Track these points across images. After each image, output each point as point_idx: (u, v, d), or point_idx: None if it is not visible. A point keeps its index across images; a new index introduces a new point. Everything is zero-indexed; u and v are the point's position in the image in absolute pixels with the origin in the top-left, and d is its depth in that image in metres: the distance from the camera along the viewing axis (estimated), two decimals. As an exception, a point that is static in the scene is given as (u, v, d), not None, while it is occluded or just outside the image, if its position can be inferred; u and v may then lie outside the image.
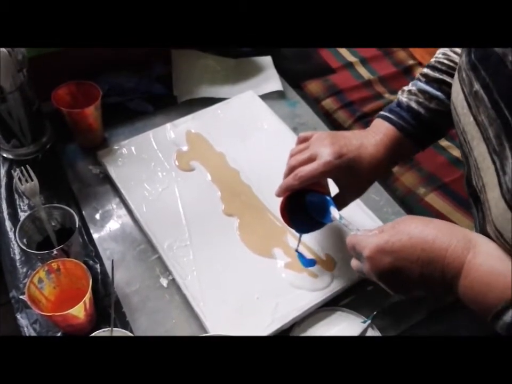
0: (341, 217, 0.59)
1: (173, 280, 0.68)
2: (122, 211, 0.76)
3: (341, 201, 0.63)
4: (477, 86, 0.47)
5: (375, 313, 0.65)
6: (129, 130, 0.87)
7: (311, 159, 0.60)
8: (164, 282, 0.68)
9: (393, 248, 0.48)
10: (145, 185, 0.78)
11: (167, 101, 0.91)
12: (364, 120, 0.98)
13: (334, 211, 0.60)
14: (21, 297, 0.66)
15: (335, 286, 0.67)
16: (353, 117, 0.99)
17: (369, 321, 0.65)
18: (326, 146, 0.60)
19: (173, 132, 0.85)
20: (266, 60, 1.01)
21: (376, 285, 0.69)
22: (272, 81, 0.96)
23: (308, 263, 0.70)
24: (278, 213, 0.74)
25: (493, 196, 0.46)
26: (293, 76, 1.02)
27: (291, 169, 0.61)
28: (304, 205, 0.64)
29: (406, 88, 0.66)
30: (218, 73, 0.97)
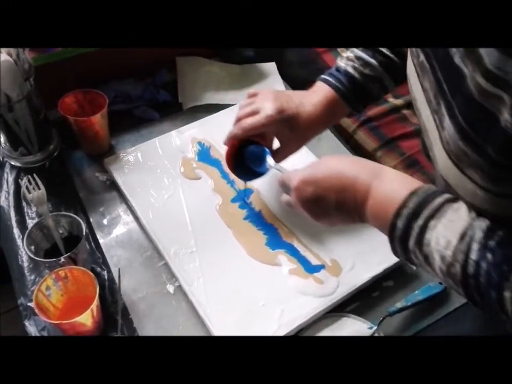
0: (275, 164, 0.66)
1: (179, 286, 0.69)
2: (129, 218, 0.77)
3: (281, 154, 0.70)
4: (422, 57, 0.52)
5: (381, 319, 0.65)
6: (135, 138, 0.88)
7: (255, 112, 0.66)
8: (171, 288, 0.69)
9: (315, 178, 0.55)
10: (151, 191, 0.78)
11: (173, 108, 0.92)
12: (369, 125, 0.98)
13: (269, 159, 0.67)
14: (29, 304, 0.67)
15: (341, 292, 0.67)
16: (357, 121, 1.00)
17: (375, 327, 0.65)
18: (269, 102, 0.66)
19: (178, 138, 0.86)
20: (271, 66, 1.01)
21: (382, 290, 0.70)
22: (276, 87, 0.97)
23: (313, 268, 0.70)
24: (283, 217, 0.75)
25: (437, 149, 0.51)
26: (297, 82, 1.03)
27: (237, 120, 0.68)
28: (246, 156, 0.70)
29: (345, 54, 0.71)
30: (223, 79, 0.98)
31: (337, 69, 0.70)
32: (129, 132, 0.89)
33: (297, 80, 1.04)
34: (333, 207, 0.54)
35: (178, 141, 0.86)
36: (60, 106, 0.79)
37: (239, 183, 0.80)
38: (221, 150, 0.84)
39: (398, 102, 1.02)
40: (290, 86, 0.99)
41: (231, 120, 0.89)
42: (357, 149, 0.95)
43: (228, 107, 0.92)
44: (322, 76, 0.71)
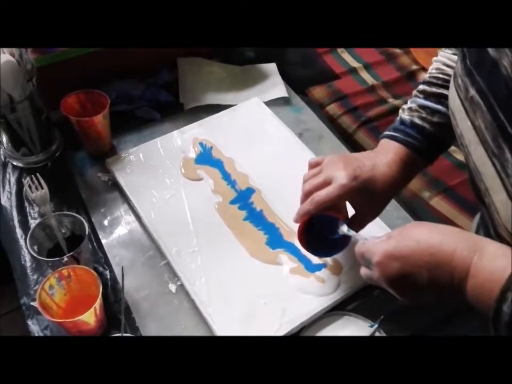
0: (348, 230, 0.60)
1: (182, 286, 0.69)
2: (131, 218, 0.77)
3: (358, 223, 0.64)
4: (472, 91, 0.48)
5: (382, 317, 0.66)
6: (137, 138, 0.88)
7: (326, 183, 0.60)
8: (173, 288, 0.69)
9: (402, 253, 0.49)
10: (153, 191, 0.79)
11: (174, 109, 0.92)
12: (368, 125, 0.99)
13: (342, 226, 0.61)
14: (32, 303, 0.67)
15: (342, 291, 0.68)
16: (357, 122, 1.00)
17: (376, 326, 0.65)
18: (340, 170, 0.60)
19: (180, 139, 0.86)
20: (271, 67, 1.02)
21: (382, 289, 0.70)
22: (277, 87, 0.97)
23: (314, 267, 0.70)
24: (285, 217, 0.75)
25: (499, 199, 0.46)
26: (298, 82, 1.03)
27: (307, 195, 0.61)
28: (319, 229, 0.65)
29: (405, 106, 0.66)
30: (223, 80, 0.99)
31: (402, 123, 0.65)
32: (131, 132, 0.89)
33: (298, 81, 1.04)
34: (425, 285, 0.48)
35: (179, 141, 0.86)
36: (62, 106, 0.79)
37: (240, 184, 0.80)
38: (222, 151, 0.85)
39: (398, 102, 1.03)
40: (291, 87, 0.99)
41: (231, 120, 0.90)
42: (356, 149, 0.95)
43: (229, 107, 0.92)
44: (387, 133, 0.66)
